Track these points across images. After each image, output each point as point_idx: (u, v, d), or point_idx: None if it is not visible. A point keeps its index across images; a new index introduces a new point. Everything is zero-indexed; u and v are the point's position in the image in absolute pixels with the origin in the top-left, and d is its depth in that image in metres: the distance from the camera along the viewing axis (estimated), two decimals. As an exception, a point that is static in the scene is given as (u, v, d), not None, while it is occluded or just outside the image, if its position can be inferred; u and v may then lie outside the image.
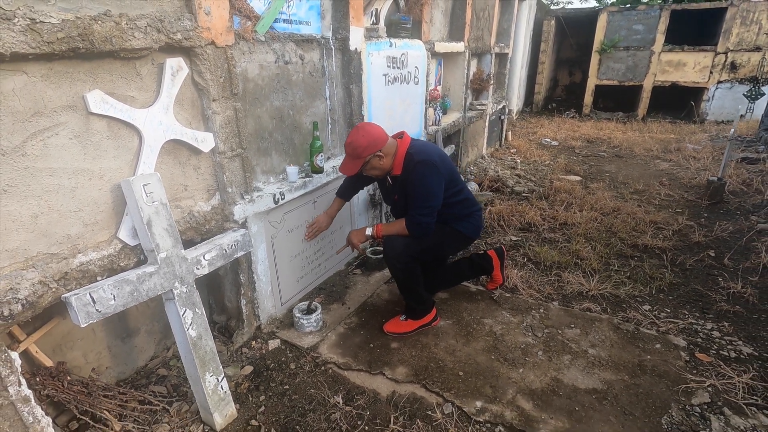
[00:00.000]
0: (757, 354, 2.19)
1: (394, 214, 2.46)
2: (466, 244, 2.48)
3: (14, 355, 1.36)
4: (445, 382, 2.02)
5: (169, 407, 1.86)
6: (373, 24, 3.06)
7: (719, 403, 1.87)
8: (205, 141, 1.86)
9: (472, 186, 4.67)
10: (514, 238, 3.53)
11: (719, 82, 8.99)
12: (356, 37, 2.68)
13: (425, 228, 2.13)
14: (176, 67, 1.68)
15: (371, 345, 2.29)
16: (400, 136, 2.19)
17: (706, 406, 1.86)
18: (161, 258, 1.58)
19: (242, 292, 2.22)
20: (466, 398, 1.93)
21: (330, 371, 2.11)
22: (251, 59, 2.05)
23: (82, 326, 1.36)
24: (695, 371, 2.06)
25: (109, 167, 1.56)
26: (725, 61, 8.84)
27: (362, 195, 3.14)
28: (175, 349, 2.19)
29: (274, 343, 2.28)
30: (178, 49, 1.67)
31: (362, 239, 2.28)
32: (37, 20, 1.23)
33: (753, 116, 8.25)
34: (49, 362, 1.62)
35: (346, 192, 2.48)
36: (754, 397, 1.90)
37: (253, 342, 2.29)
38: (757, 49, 8.61)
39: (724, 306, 2.57)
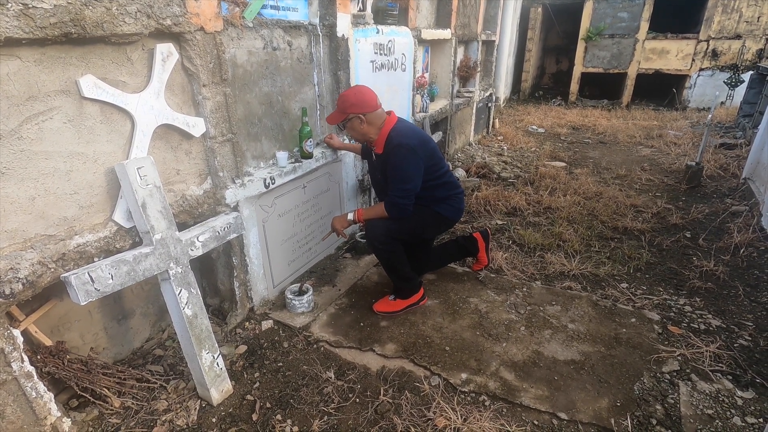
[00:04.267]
0: (724, 326, 2.33)
1: (377, 193, 2.55)
2: (446, 226, 2.57)
3: (16, 332, 1.41)
4: (432, 356, 2.12)
5: (166, 385, 1.93)
6: (360, 10, 3.08)
7: (687, 371, 2.00)
8: (196, 126, 1.90)
9: (460, 172, 4.76)
10: (499, 222, 3.63)
11: (701, 69, 9.17)
12: (343, 24, 2.71)
13: (402, 209, 2.21)
14: (166, 53, 1.71)
15: (361, 324, 2.37)
16: (388, 113, 2.26)
17: (675, 373, 1.99)
18: (156, 239, 1.63)
19: (235, 274, 2.28)
20: (452, 371, 2.03)
21: (322, 349, 2.19)
22: (240, 45, 2.08)
23: (82, 304, 1.41)
24: (667, 342, 2.19)
25: (102, 151, 1.60)
26: (707, 48, 9.01)
27: (351, 181, 3.20)
28: (170, 331, 2.25)
29: (267, 324, 2.35)
30: (167, 35, 1.70)
31: (345, 224, 2.35)
32: (30, 5, 1.26)
33: (733, 103, 8.46)
34: (48, 342, 1.67)
35: (365, 147, 2.60)
36: (720, 365, 2.04)
37: (247, 323, 2.36)
38: (738, 37, 8.79)
39: (696, 283, 2.71)
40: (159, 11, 1.61)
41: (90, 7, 1.40)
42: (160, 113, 1.74)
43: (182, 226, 1.83)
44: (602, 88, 10.57)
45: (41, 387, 1.49)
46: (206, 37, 1.83)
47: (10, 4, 1.22)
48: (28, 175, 1.40)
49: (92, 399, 1.72)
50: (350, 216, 2.34)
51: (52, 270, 1.46)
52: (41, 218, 1.46)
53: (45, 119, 1.41)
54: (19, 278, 1.37)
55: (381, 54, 3.23)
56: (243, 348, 2.18)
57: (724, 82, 8.49)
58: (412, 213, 2.27)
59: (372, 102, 2.17)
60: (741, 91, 7.64)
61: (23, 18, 1.25)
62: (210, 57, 1.86)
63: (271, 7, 2.28)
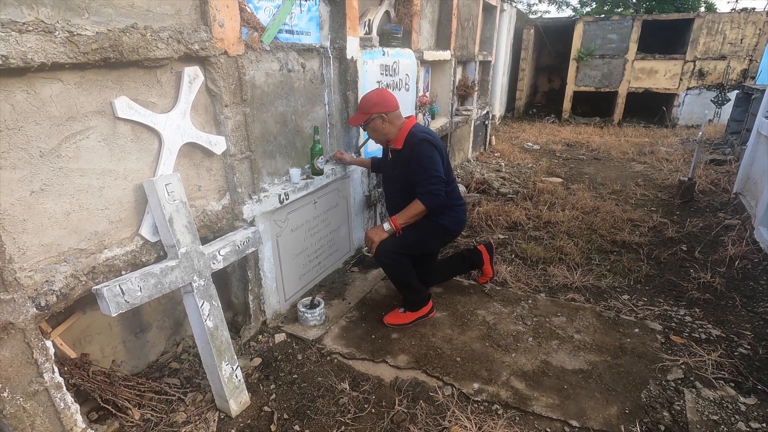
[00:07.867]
0: (724, 335, 2.40)
1: (386, 190, 2.63)
2: (450, 237, 2.64)
3: (49, 343, 1.45)
4: (444, 367, 2.17)
5: (184, 397, 1.95)
6: (366, 34, 3.22)
7: (691, 378, 2.07)
8: (218, 144, 1.98)
9: (461, 188, 4.86)
10: (501, 236, 3.72)
11: (689, 88, 9.48)
12: (352, 47, 2.83)
13: (438, 196, 2.26)
14: (193, 75, 1.80)
15: (373, 336, 2.42)
16: (408, 117, 2.42)
17: (680, 381, 2.05)
18: (182, 253, 1.69)
19: (249, 288, 2.33)
20: (465, 381, 2.08)
21: (335, 361, 2.23)
22: (258, 67, 2.18)
23: (113, 315, 1.46)
24: (670, 351, 2.26)
25: (132, 168, 1.67)
26: (693, 68, 9.34)
27: (358, 197, 3.28)
28: (185, 344, 2.28)
29: (280, 337, 2.39)
30: (194, 59, 1.79)
31: (383, 236, 2.33)
32: (75, 33, 1.35)
33: (720, 121, 8.73)
34: (72, 354, 1.70)
35: (375, 161, 2.83)
36: (722, 372, 2.11)
37: (260, 336, 2.40)
38: (723, 57, 9.13)
39: (695, 294, 2.80)
40: (188, 36, 1.71)
41: (128, 34, 1.49)
42: (185, 132, 1.81)
43: (202, 241, 1.88)
44: (594, 106, 10.85)
45: (69, 398, 1.52)
46: (229, 61, 1.93)
47: (57, 32, 1.30)
48: (65, 191, 1.47)
49: (114, 411, 1.75)
50: (386, 226, 2.33)
51: (83, 283, 1.51)
52: (74, 232, 1.52)
53: (82, 138, 1.48)
54: (54, 290, 1.42)
55: (387, 75, 3.36)
56: (258, 360, 2.22)
57: (711, 100, 8.78)
58: (416, 226, 2.34)
59: (393, 102, 2.33)
60: (728, 109, 7.91)
61: (68, 44, 1.33)
62: (232, 79, 1.96)
63: (287, 31, 2.39)
